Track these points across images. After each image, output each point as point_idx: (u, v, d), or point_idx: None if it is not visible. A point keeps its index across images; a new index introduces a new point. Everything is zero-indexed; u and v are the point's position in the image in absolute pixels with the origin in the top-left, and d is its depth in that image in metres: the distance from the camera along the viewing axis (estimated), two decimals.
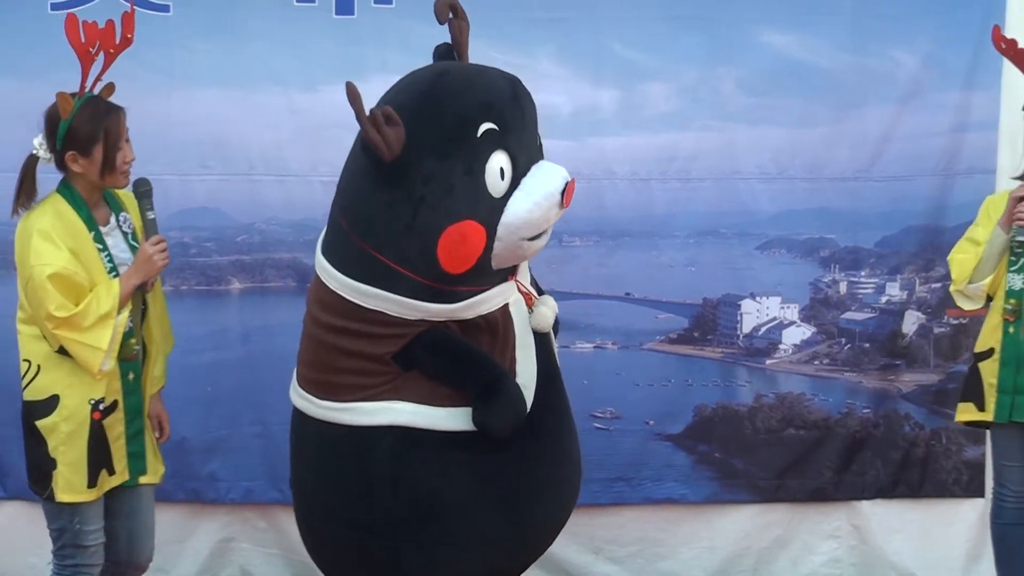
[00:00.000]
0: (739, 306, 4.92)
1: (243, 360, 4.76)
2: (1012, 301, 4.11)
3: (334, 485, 3.49)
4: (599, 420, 4.79)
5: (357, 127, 3.36)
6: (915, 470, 4.92)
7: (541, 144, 3.45)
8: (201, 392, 4.71)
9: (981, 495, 4.86)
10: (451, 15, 3.50)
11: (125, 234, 3.75)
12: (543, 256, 3.59)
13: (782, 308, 4.94)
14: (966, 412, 4.28)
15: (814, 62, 4.78)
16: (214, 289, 4.77)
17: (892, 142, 4.78)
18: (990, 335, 4.19)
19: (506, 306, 3.42)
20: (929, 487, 4.93)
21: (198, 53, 4.65)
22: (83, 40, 3.61)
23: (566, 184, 3.30)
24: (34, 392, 3.64)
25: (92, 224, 3.65)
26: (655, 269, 4.88)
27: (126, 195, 3.81)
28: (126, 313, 3.62)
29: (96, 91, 3.66)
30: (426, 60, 3.51)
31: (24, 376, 3.66)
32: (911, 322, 4.92)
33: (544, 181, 3.31)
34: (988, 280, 4.14)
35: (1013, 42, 4.14)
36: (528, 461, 3.49)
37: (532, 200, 3.28)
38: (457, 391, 3.36)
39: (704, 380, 4.94)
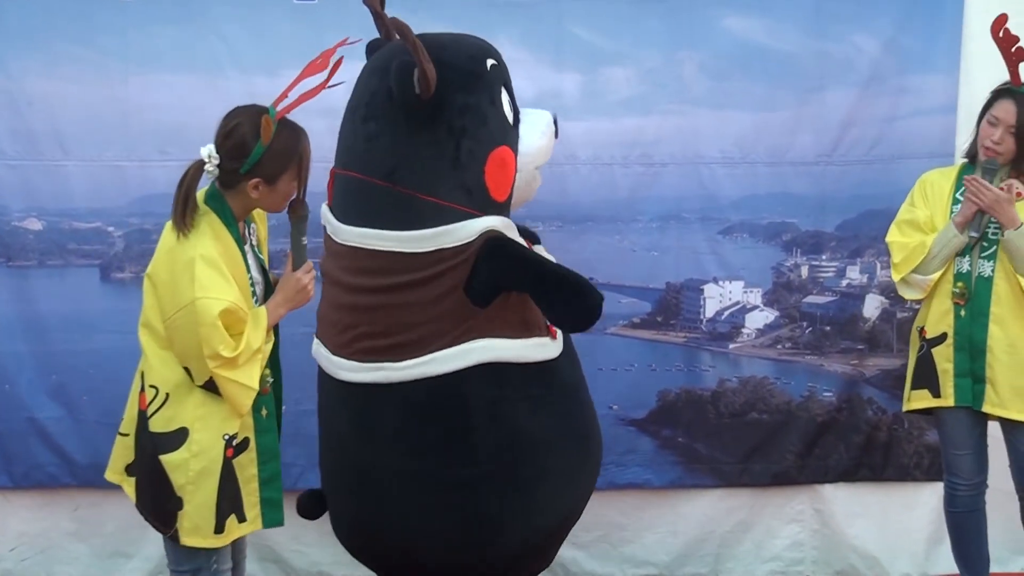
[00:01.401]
0: (702, 290, 5.00)
1: None
2: (960, 284, 4.20)
3: (427, 448, 3.58)
4: None
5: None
6: (877, 454, 5.01)
7: None
8: None
9: (942, 479, 4.94)
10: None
11: (253, 247, 3.56)
12: None
13: (745, 292, 5.02)
14: (919, 399, 4.34)
15: (776, 46, 4.86)
16: None
17: (853, 126, 4.87)
18: (941, 320, 4.26)
19: None
20: (891, 471, 5.02)
21: (156, 38, 4.70)
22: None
23: (553, 117, 3.77)
24: (160, 423, 3.38)
25: (240, 243, 3.44)
26: (618, 254, 4.95)
27: None
28: (270, 344, 3.46)
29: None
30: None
31: (150, 404, 3.42)
32: (873, 306, 5.02)
33: (537, 115, 3.73)
34: (937, 275, 4.21)
35: (1013, 38, 4.15)
36: (581, 393, 3.80)
37: (539, 129, 3.68)
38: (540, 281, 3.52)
39: (668, 364, 5.02)
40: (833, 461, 5.01)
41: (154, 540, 4.83)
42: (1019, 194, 4.13)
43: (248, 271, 3.46)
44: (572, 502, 3.79)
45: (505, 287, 3.52)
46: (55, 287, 4.84)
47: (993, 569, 4.63)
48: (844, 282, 5.02)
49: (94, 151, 4.72)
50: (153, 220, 4.75)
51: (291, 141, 3.42)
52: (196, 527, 3.41)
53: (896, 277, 4.30)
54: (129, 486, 3.55)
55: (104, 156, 4.72)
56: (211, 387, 3.36)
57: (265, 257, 3.65)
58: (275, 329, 3.58)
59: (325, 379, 3.77)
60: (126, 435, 3.54)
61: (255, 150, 3.35)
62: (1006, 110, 4.15)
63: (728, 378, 5.02)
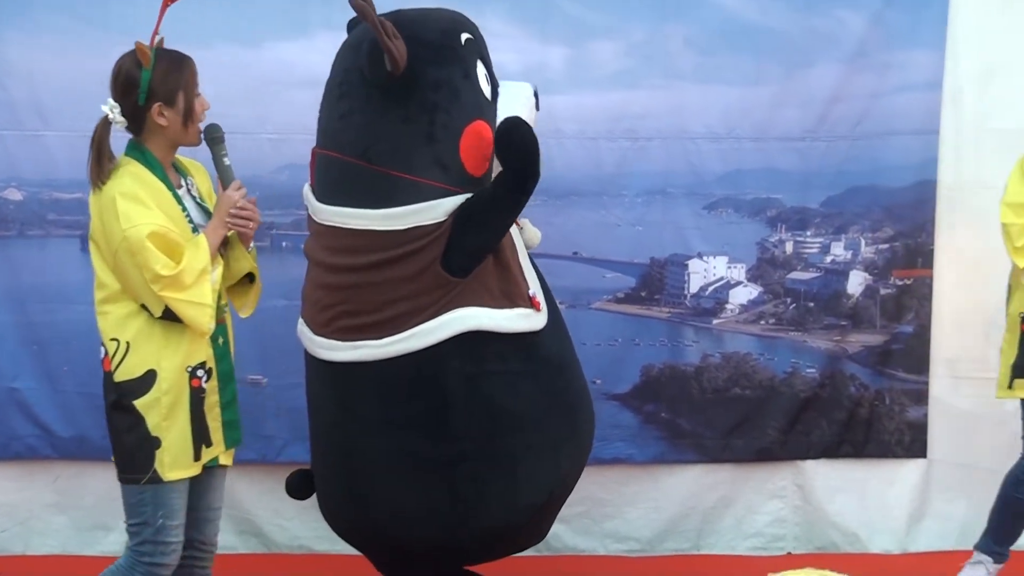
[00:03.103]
0: (686, 266, 5.04)
1: None
2: None
3: (407, 425, 3.64)
4: None
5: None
6: (859, 430, 5.06)
7: None
8: None
9: (923, 456, 5.05)
10: None
11: (193, 198, 3.67)
12: None
13: (729, 268, 5.07)
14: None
15: (763, 21, 4.90)
16: None
17: (839, 102, 4.90)
18: None
19: None
20: (872, 447, 5.07)
21: (139, 8, 4.69)
22: None
23: (534, 89, 3.74)
24: (127, 371, 3.51)
25: (170, 184, 3.57)
26: (603, 228, 4.99)
27: (188, 162, 3.75)
28: (220, 270, 3.57)
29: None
30: None
31: (112, 357, 3.53)
32: (857, 283, 5.06)
33: (518, 88, 3.75)
34: None
35: None
36: (568, 367, 3.83)
37: (519, 102, 3.69)
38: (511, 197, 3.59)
39: (651, 340, 5.06)
40: (815, 437, 5.06)
41: None
42: None
43: (185, 212, 3.57)
44: (558, 477, 3.83)
45: (494, 237, 3.59)
46: (35, 258, 4.89)
47: None
48: (828, 258, 5.06)
49: (75, 122, 4.72)
50: None
51: (173, 59, 3.56)
52: (176, 460, 3.55)
53: (1020, 263, 4.29)
54: None
55: (85, 127, 4.65)
56: (171, 316, 3.48)
57: (212, 207, 3.72)
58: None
59: (309, 359, 3.83)
60: None
61: (142, 76, 3.49)
62: None
63: (711, 354, 5.07)
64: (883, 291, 5.05)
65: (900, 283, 4.99)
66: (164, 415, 3.52)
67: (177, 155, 3.69)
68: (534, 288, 3.75)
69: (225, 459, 3.73)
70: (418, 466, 3.66)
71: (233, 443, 3.72)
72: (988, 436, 4.95)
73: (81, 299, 4.80)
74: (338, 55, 3.71)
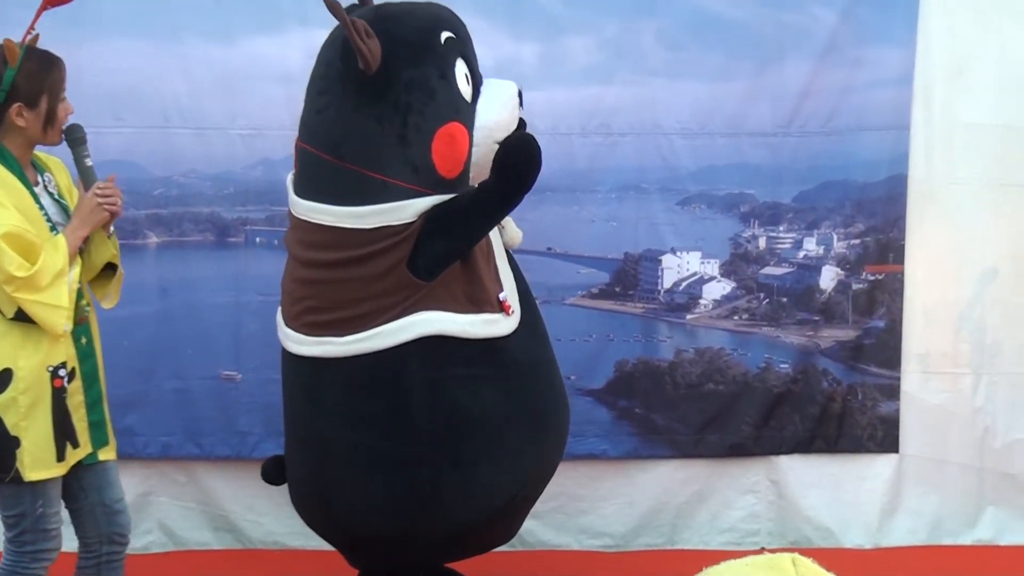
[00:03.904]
0: (660, 261, 5.07)
1: (161, 314, 4.85)
2: None
3: (368, 422, 3.65)
4: None
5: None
6: (831, 425, 5.08)
7: None
8: (118, 347, 4.67)
9: (895, 451, 5.08)
10: None
11: (51, 194, 3.68)
12: None
13: (702, 263, 5.10)
14: None
15: (735, 16, 4.92)
16: (130, 243, 4.72)
17: (810, 97, 4.93)
18: None
19: None
20: (845, 442, 5.10)
21: (111, 3, 4.74)
22: None
23: (518, 89, 3.70)
24: None
25: (27, 183, 3.58)
26: (576, 224, 5.01)
27: (45, 157, 3.76)
28: (77, 270, 3.57)
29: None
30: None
31: None
32: (829, 278, 5.10)
33: (501, 87, 3.71)
34: None
35: None
36: (540, 370, 3.83)
37: (499, 101, 3.66)
38: (494, 205, 3.61)
39: (625, 335, 5.08)
40: (788, 432, 5.09)
41: None
42: None
43: (43, 211, 3.58)
44: (522, 481, 3.83)
45: (466, 244, 3.60)
46: None
47: (945, 542, 4.78)
48: (801, 253, 5.09)
49: None
50: None
51: (42, 61, 3.57)
52: (37, 460, 3.55)
53: None
54: None
55: None
56: (24, 317, 3.49)
57: (71, 203, 3.73)
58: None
59: (283, 350, 3.86)
60: None
61: (6, 74, 3.50)
62: None
63: (685, 349, 5.09)
64: (855, 286, 5.09)
65: (872, 278, 5.02)
66: (23, 415, 3.52)
67: (34, 151, 3.70)
68: (507, 291, 3.75)
69: (107, 454, 3.76)
70: (379, 464, 3.68)
71: (99, 444, 3.73)
72: (959, 431, 5.01)
73: None
74: (322, 49, 3.71)
